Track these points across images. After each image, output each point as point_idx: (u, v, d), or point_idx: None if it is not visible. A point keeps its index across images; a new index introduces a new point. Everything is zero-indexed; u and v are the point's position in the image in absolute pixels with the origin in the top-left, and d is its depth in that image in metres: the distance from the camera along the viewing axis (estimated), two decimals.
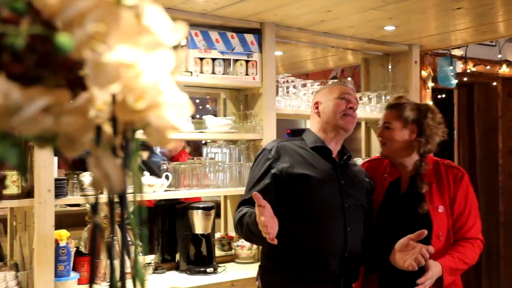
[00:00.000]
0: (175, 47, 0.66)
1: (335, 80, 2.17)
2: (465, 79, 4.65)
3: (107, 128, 0.65)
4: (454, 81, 4.32)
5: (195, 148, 5.35)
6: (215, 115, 3.42)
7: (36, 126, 0.54)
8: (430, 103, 4.34)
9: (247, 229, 1.85)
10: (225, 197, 3.40)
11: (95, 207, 0.67)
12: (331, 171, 2.04)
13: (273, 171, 1.97)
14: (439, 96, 4.64)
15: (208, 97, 5.45)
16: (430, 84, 4.25)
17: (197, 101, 5.96)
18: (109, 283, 0.64)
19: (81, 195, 2.49)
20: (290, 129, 6.11)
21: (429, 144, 2.13)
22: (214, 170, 2.96)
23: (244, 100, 3.24)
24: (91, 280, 0.62)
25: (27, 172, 2.24)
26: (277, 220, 1.74)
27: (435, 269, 1.95)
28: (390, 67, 3.90)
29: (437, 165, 2.19)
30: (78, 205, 2.95)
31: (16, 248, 2.48)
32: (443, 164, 2.20)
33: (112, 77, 0.56)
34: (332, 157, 2.07)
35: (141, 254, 2.76)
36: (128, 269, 0.66)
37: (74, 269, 2.55)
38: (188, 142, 5.19)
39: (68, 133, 0.61)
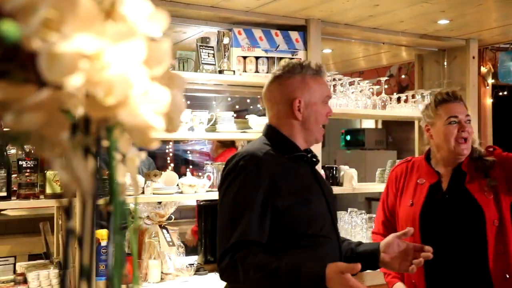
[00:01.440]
0: (161, 38, 0.60)
1: (310, 67, 1.71)
2: None
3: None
4: None
5: None
6: (265, 115, 3.34)
7: None
8: (490, 101, 4.09)
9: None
10: None
11: (67, 211, 0.62)
12: (313, 179, 1.70)
13: (271, 203, 1.55)
14: (500, 94, 4.36)
15: (258, 96, 5.39)
16: (490, 80, 3.99)
17: (248, 100, 5.93)
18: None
19: None
20: (345, 130, 5.87)
21: None
22: None
23: None
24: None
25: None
26: (271, 247, 1.54)
27: None
28: (445, 63, 3.70)
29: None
30: None
31: (60, 247, 2.53)
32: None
33: (68, 69, 0.50)
34: (307, 162, 1.72)
35: (182, 255, 2.74)
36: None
37: None
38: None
39: (39, 132, 0.57)
